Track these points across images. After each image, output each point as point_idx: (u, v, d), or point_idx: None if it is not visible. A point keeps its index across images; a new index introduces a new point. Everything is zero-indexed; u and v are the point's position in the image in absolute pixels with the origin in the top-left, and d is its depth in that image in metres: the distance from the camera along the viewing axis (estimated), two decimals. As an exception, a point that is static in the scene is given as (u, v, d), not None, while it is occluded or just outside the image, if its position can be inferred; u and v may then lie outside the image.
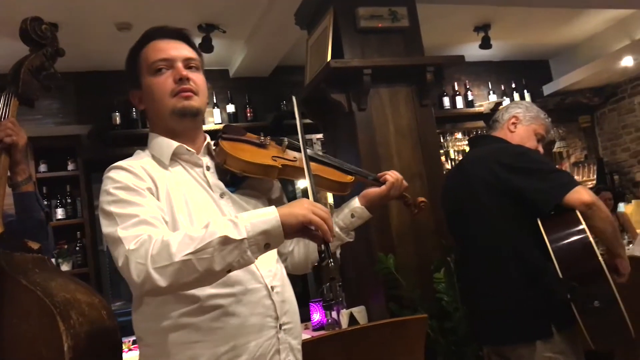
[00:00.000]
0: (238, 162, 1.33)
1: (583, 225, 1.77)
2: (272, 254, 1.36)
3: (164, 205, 1.25)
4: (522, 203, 1.87)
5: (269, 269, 1.31)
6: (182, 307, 1.20)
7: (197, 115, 1.34)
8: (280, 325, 1.27)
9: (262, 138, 1.45)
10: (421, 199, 1.65)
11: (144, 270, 1.07)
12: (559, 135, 6.37)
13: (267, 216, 1.09)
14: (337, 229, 1.48)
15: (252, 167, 1.35)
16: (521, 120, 2.13)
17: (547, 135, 2.17)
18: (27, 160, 1.70)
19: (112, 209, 1.18)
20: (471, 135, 5.39)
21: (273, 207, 1.12)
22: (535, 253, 1.81)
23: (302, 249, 1.52)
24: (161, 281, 1.07)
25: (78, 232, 4.39)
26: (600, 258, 1.70)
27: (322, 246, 1.12)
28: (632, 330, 1.71)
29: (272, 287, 1.28)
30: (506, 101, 5.58)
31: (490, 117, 2.30)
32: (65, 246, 4.34)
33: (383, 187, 1.52)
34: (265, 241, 1.09)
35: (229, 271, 1.10)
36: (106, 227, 1.19)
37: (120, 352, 1.44)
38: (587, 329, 1.72)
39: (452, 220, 2.20)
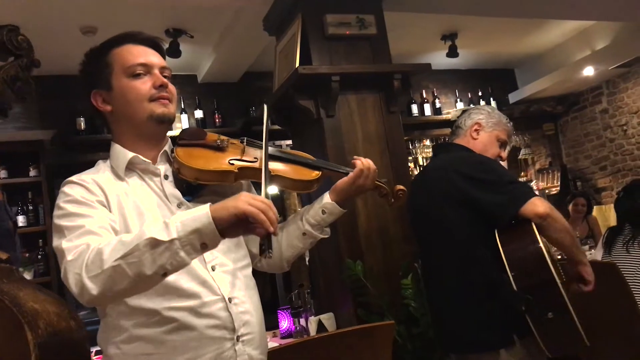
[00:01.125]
0: (191, 170, 1.29)
1: (537, 237, 1.76)
2: (233, 262, 1.33)
3: (116, 217, 1.23)
4: (480, 213, 1.87)
5: (225, 281, 1.28)
6: (136, 319, 1.19)
7: (172, 122, 1.34)
8: (238, 337, 1.25)
9: (219, 140, 1.39)
10: (399, 187, 1.56)
11: (80, 280, 1.06)
12: (524, 143, 6.51)
13: (197, 212, 1.05)
14: (308, 227, 1.45)
15: (205, 174, 1.30)
16: (483, 127, 2.14)
17: (509, 140, 2.18)
18: None
19: (61, 222, 1.18)
20: (436, 143, 5.47)
21: (207, 204, 1.07)
22: (494, 264, 1.81)
23: (276, 245, 1.48)
24: (94, 289, 1.05)
25: (40, 240, 4.27)
26: (552, 270, 1.71)
27: (264, 238, 1.07)
28: (585, 339, 1.73)
29: (230, 299, 1.26)
30: (473, 109, 5.67)
31: None
32: (27, 254, 4.21)
33: (350, 174, 1.45)
34: (199, 240, 1.04)
35: (165, 275, 1.07)
36: (55, 241, 1.18)
37: None
38: (542, 339, 1.73)
39: (416, 227, 2.21)
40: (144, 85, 1.29)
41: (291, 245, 1.48)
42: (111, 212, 1.23)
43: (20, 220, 4.24)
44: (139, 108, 1.29)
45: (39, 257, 4.25)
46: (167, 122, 1.32)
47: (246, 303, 1.30)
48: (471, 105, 5.79)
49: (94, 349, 2.73)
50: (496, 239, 1.81)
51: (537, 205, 1.79)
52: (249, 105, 4.96)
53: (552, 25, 5.29)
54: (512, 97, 6.20)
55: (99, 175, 1.29)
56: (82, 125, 4.36)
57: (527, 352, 1.80)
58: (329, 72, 2.83)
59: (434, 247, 2.06)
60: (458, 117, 2.26)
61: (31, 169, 4.32)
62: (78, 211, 1.18)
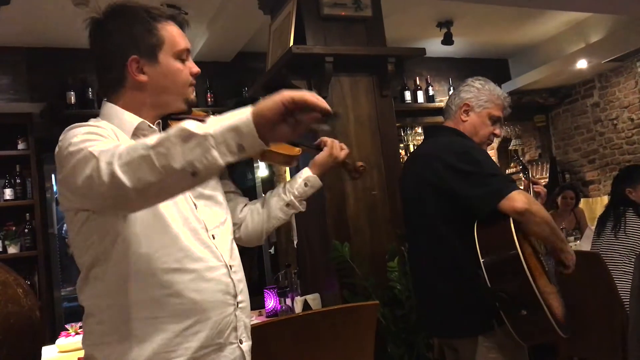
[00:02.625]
0: None
1: (512, 234, 1.73)
2: (228, 234, 1.37)
3: None
4: (460, 205, 1.85)
5: (226, 249, 1.32)
6: (142, 282, 1.18)
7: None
8: (237, 303, 1.29)
9: (210, 114, 1.41)
10: (360, 163, 1.71)
11: (111, 169, 0.97)
12: (515, 134, 6.54)
13: (237, 112, 0.96)
14: (292, 197, 1.57)
15: None
16: (473, 107, 2.05)
17: (504, 113, 2.08)
18: None
19: (80, 146, 1.07)
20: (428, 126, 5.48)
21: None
22: (471, 257, 1.78)
23: (255, 217, 1.56)
24: (125, 179, 0.96)
25: (27, 214, 4.25)
26: (525, 268, 1.69)
27: (323, 118, 1.00)
28: (560, 333, 1.74)
29: (231, 266, 1.30)
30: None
31: None
32: (14, 228, 4.20)
33: (326, 149, 1.60)
34: (235, 140, 0.95)
35: (194, 174, 0.96)
36: (71, 162, 1.07)
37: (39, 332, 1.36)
38: (517, 332, 1.74)
39: (404, 210, 2.20)
40: (186, 70, 1.34)
41: (273, 217, 1.57)
42: None
43: (8, 193, 4.22)
44: (180, 90, 1.33)
45: (26, 231, 4.23)
46: (192, 107, 1.38)
47: (241, 272, 1.35)
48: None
49: (78, 323, 2.73)
50: (474, 231, 1.79)
51: (516, 201, 1.74)
52: (242, 86, 4.93)
53: (547, 16, 5.29)
54: (505, 88, 6.17)
55: (110, 126, 1.24)
56: (73, 99, 4.31)
57: (505, 337, 1.80)
58: (322, 52, 2.81)
59: (416, 232, 2.06)
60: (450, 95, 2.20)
61: (19, 142, 4.28)
62: (97, 138, 1.11)
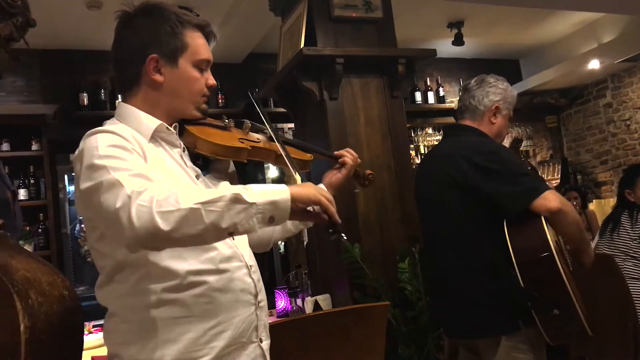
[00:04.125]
0: (209, 144, 1.34)
1: (546, 234, 1.73)
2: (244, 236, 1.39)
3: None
4: (488, 204, 1.84)
5: (245, 250, 1.34)
6: (165, 282, 1.18)
7: None
8: (258, 303, 1.31)
9: (226, 121, 1.46)
10: (368, 171, 1.72)
11: (147, 212, 1.02)
12: (526, 134, 6.50)
13: (278, 188, 1.13)
14: None
15: (222, 149, 1.36)
16: (501, 110, 2.04)
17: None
18: None
19: (104, 162, 1.10)
20: (448, 125, 5.47)
21: (284, 185, 1.16)
22: (500, 256, 1.78)
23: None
24: (164, 224, 1.02)
25: (41, 214, 4.30)
26: (560, 268, 1.70)
27: (331, 227, 1.19)
28: (589, 331, 1.74)
29: (250, 266, 1.32)
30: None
31: None
32: (27, 228, 4.24)
33: (344, 171, 1.60)
34: (271, 212, 1.11)
35: (231, 234, 1.10)
36: (95, 180, 1.10)
37: (81, 333, 1.40)
38: (546, 332, 1.74)
39: (421, 211, 2.18)
40: (203, 81, 1.35)
41: (285, 230, 1.59)
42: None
43: (22, 194, 4.26)
44: (192, 97, 1.35)
45: (40, 230, 4.28)
46: (206, 115, 1.40)
47: (258, 272, 1.36)
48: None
49: (92, 322, 2.76)
50: (504, 231, 1.78)
51: (550, 200, 1.75)
52: (253, 87, 4.95)
53: (559, 16, 5.26)
54: (516, 88, 6.13)
55: (129, 129, 1.25)
56: (85, 101, 4.36)
57: (527, 338, 1.80)
58: (333, 54, 2.82)
59: (438, 232, 2.02)
60: (467, 91, 2.10)
61: (33, 143, 4.33)
62: (123, 156, 1.14)
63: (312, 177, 1.62)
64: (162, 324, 1.18)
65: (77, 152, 1.18)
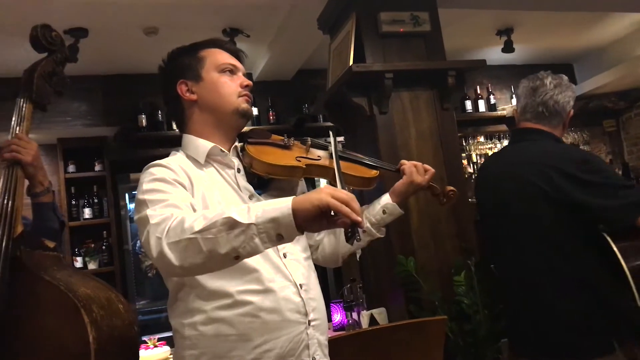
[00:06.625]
0: (263, 165, 1.39)
1: None
2: (301, 252, 1.41)
3: (198, 202, 1.29)
4: (582, 217, 1.71)
5: (297, 268, 1.36)
6: (214, 301, 1.25)
7: (250, 119, 1.47)
8: (309, 322, 1.32)
9: (285, 140, 1.51)
10: (450, 187, 1.65)
11: (160, 244, 1.10)
12: (583, 140, 6.31)
13: (279, 204, 1.05)
14: (368, 225, 1.53)
15: (276, 169, 1.40)
16: (570, 113, 1.92)
17: None
18: (42, 171, 1.73)
19: (145, 197, 1.24)
20: (516, 127, 5.39)
21: (291, 197, 1.07)
22: (603, 274, 1.68)
23: (333, 240, 1.57)
24: (172, 256, 1.08)
25: (104, 232, 4.50)
26: None
27: (349, 228, 1.05)
28: None
29: (301, 285, 1.34)
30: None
31: (513, 121, 2.05)
32: (92, 245, 4.45)
33: (405, 178, 1.55)
34: (276, 230, 1.04)
35: (237, 258, 1.07)
36: (138, 214, 1.23)
37: (137, 344, 1.49)
38: None
39: (490, 221, 2.01)
40: (233, 82, 1.42)
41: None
42: (193, 197, 1.30)
43: (86, 212, 4.49)
44: (228, 100, 1.41)
45: (103, 247, 4.48)
46: (248, 117, 1.44)
47: (313, 290, 1.38)
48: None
49: (155, 336, 2.87)
50: (610, 247, 1.67)
51: None
52: (302, 102, 5.03)
53: (613, 18, 5.09)
54: (571, 93, 6.01)
55: (181, 160, 1.37)
56: (144, 122, 4.54)
57: (624, 358, 1.66)
58: (382, 69, 2.85)
59: (517, 243, 1.85)
60: (544, 93, 1.93)
61: (96, 164, 4.56)
62: (162, 188, 1.25)
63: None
64: (211, 342, 1.25)
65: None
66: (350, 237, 1.06)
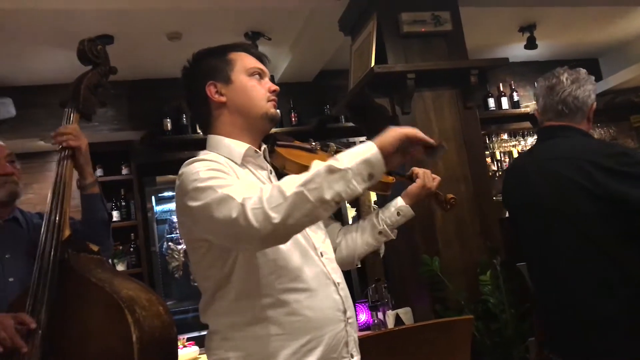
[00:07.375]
0: (297, 166, 1.40)
1: None
2: (332, 252, 1.46)
3: None
4: (622, 210, 1.66)
5: (333, 267, 1.39)
6: (260, 301, 1.27)
7: (276, 124, 1.48)
8: (347, 319, 1.35)
9: (312, 144, 1.54)
10: (450, 195, 1.72)
11: (262, 212, 1.11)
12: (609, 136, 6.20)
13: (364, 148, 1.16)
14: (384, 226, 1.60)
15: None
16: (592, 107, 1.89)
17: None
18: (90, 163, 1.79)
19: (209, 183, 1.20)
20: (543, 125, 5.34)
21: (368, 141, 1.18)
22: None
23: (350, 243, 1.61)
24: (278, 217, 1.10)
25: (132, 234, 4.58)
26: None
27: (430, 149, 1.22)
28: None
29: (338, 283, 1.37)
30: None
31: (537, 118, 2.01)
32: (120, 247, 4.54)
33: (418, 181, 1.63)
34: (367, 170, 1.13)
35: (338, 203, 1.13)
36: (203, 199, 1.19)
37: (176, 345, 1.55)
38: None
39: (524, 218, 1.95)
40: (262, 86, 1.44)
41: (366, 243, 1.62)
42: None
43: (114, 215, 4.56)
44: (257, 104, 1.42)
45: (131, 249, 4.57)
46: (276, 122, 1.46)
47: (346, 289, 1.41)
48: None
49: (184, 336, 2.92)
50: None
51: None
52: (323, 104, 5.05)
53: (637, 12, 5.01)
54: (597, 88, 5.91)
55: (221, 160, 1.34)
56: (169, 126, 4.61)
57: None
58: (404, 69, 2.85)
59: (552, 241, 1.80)
60: (561, 91, 1.89)
61: (123, 168, 4.64)
62: (223, 176, 1.24)
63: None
64: (259, 342, 1.26)
65: (177, 181, 1.29)
66: (433, 152, 1.23)
